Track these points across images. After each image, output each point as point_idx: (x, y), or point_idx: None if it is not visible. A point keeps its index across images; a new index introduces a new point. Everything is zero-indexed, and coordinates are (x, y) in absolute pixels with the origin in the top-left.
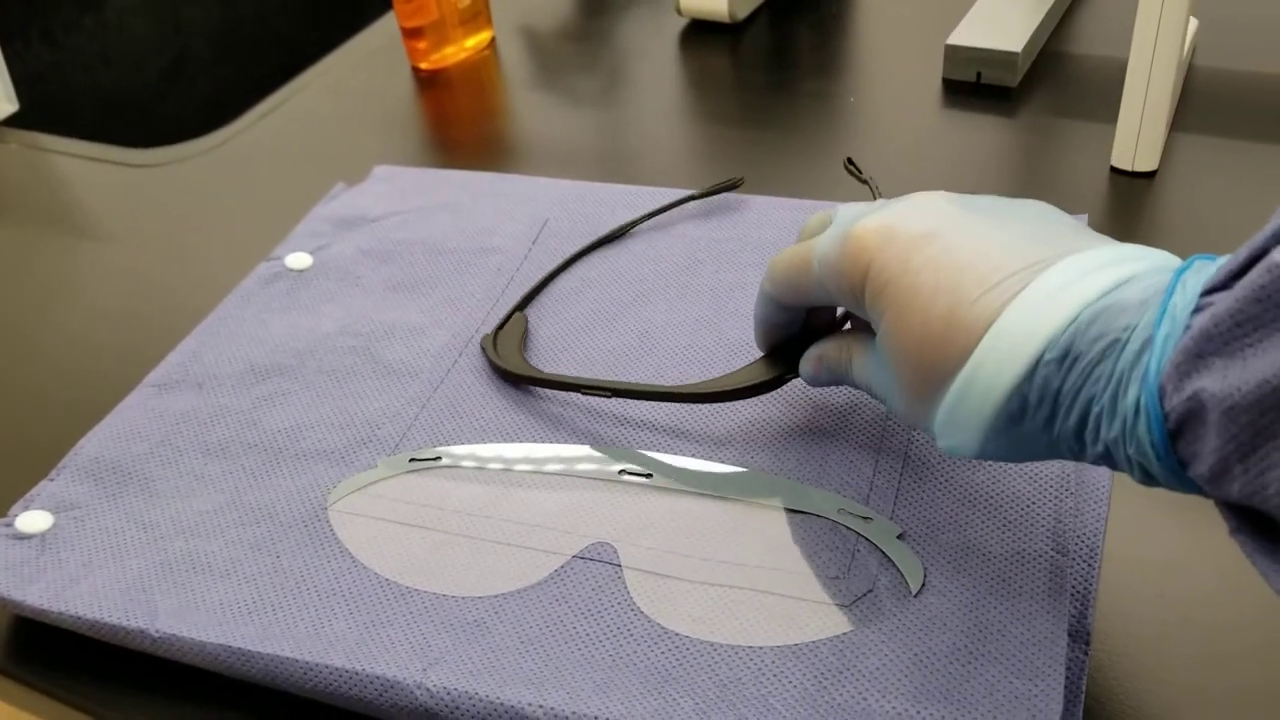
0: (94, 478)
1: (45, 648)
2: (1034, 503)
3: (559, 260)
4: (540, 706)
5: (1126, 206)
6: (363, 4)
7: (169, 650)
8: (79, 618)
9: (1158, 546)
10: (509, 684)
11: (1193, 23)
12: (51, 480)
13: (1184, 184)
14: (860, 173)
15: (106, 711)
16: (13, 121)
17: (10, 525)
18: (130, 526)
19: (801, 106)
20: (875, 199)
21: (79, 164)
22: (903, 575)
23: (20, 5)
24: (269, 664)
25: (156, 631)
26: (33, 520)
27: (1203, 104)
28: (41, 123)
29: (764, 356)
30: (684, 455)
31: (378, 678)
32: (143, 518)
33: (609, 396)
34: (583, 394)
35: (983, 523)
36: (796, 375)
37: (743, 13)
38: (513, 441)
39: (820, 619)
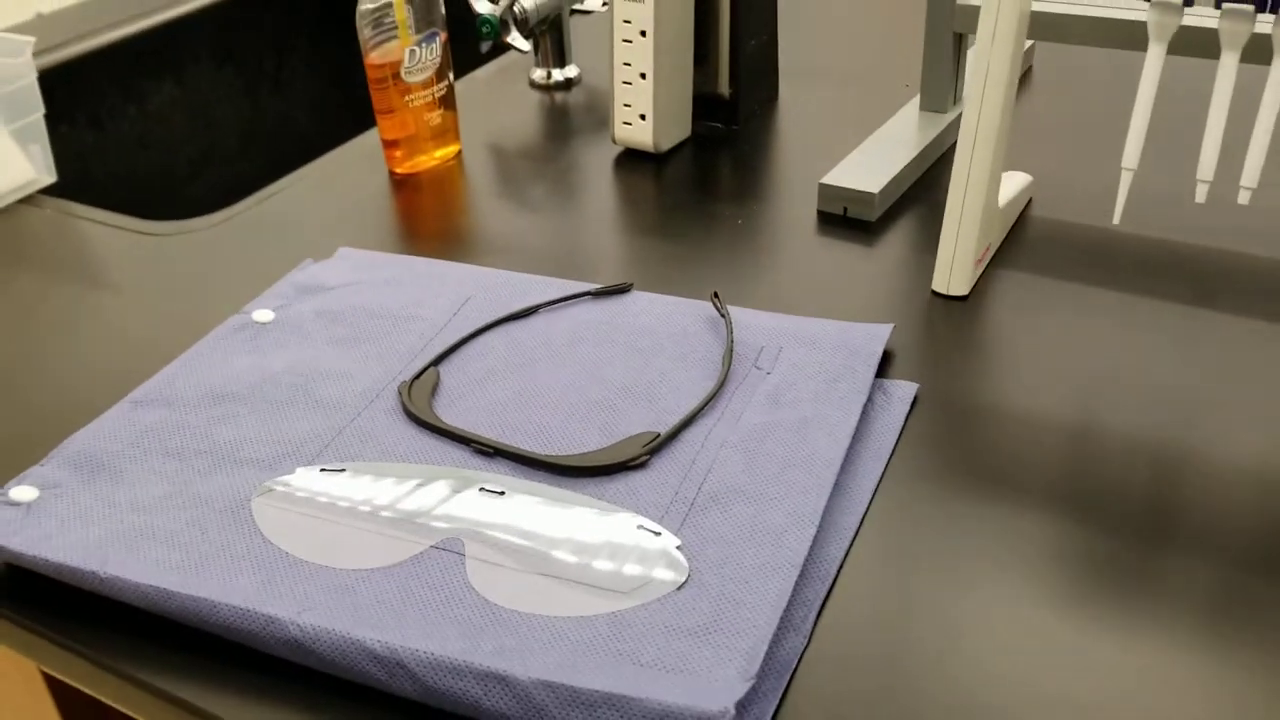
0: (75, 466)
1: (29, 592)
2: (785, 532)
3: (471, 329)
4: (379, 641)
5: (936, 322)
6: (368, 112)
7: (111, 589)
8: (47, 561)
9: (886, 583)
10: (359, 627)
11: (1024, 178)
12: (41, 465)
13: (991, 309)
14: (721, 306)
15: (67, 640)
16: (51, 190)
17: (5, 494)
18: (98, 504)
19: (702, 225)
20: (729, 332)
21: (99, 229)
22: (673, 574)
23: (70, 91)
24: (185, 602)
25: (104, 574)
26: (23, 493)
27: (1028, 247)
28: (79, 196)
29: (614, 444)
30: (531, 480)
31: (263, 615)
32: (109, 498)
33: (491, 455)
34: (471, 448)
35: (743, 543)
36: (637, 464)
37: (665, 145)
38: (406, 463)
39: (604, 600)
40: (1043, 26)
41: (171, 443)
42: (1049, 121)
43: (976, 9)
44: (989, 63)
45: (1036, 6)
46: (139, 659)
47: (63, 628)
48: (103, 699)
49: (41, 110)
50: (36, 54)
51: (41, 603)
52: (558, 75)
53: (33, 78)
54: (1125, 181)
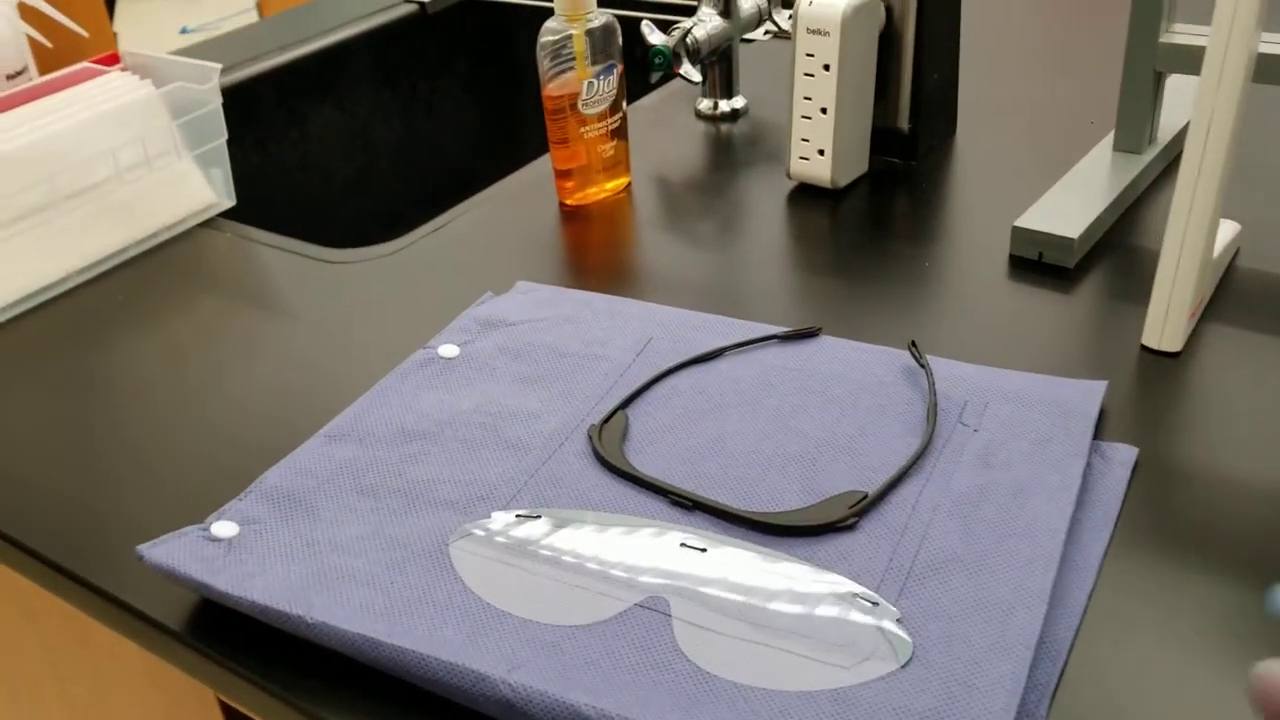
0: (272, 502)
1: (217, 626)
2: (1013, 609)
3: (656, 372)
4: (593, 707)
5: (1148, 380)
6: (520, 137)
7: (318, 635)
8: (253, 603)
9: (1119, 665)
10: (572, 690)
11: (1234, 226)
12: (240, 500)
13: (1206, 366)
14: (920, 356)
15: (260, 678)
16: (227, 213)
17: (207, 530)
18: (297, 541)
19: (884, 265)
20: (931, 385)
21: (278, 255)
22: (895, 649)
23: (240, 116)
24: (393, 653)
25: (311, 619)
26: (224, 528)
27: (1239, 300)
28: (245, 213)
29: (819, 503)
30: (733, 537)
31: (473, 672)
32: (307, 535)
33: (690, 508)
34: (669, 500)
35: (968, 618)
36: (845, 526)
37: (843, 181)
38: (600, 510)
39: (825, 674)
40: (1267, 70)
41: (365, 480)
42: (1249, 166)
43: (1179, 47)
44: (1214, 108)
45: (1263, 48)
46: (327, 698)
47: (248, 661)
48: None
49: (224, 136)
50: None
51: (224, 634)
52: (725, 106)
53: (218, 104)
54: None
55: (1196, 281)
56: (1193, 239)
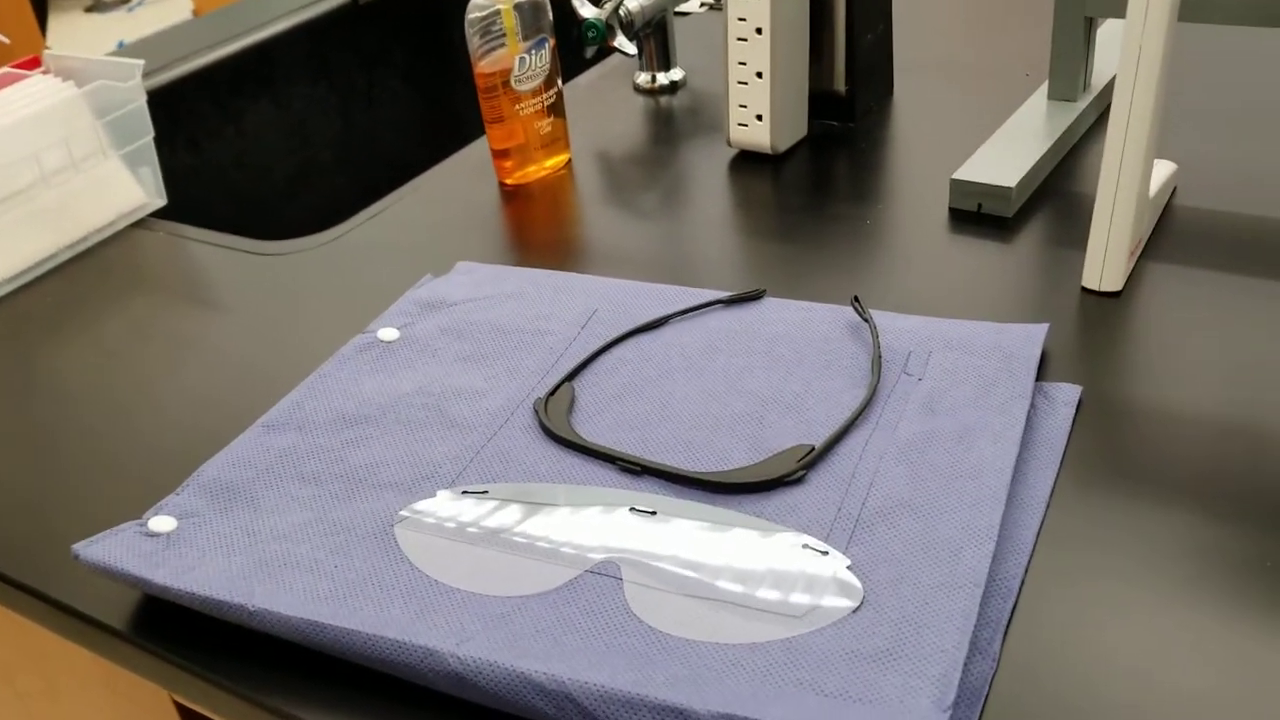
0: (210, 494)
1: (165, 624)
2: (961, 548)
3: (602, 343)
4: (545, 674)
5: (1090, 320)
6: (461, 126)
7: (261, 623)
8: (193, 594)
9: (1071, 599)
10: (523, 658)
11: (1170, 166)
12: (177, 494)
13: (1146, 304)
14: (863, 310)
15: (208, 672)
16: (160, 213)
17: (144, 525)
18: (237, 532)
19: (825, 226)
20: (875, 338)
21: (212, 250)
22: (845, 596)
23: (170, 115)
24: (338, 635)
25: (253, 607)
26: (161, 523)
27: (1177, 238)
28: (182, 216)
29: (767, 459)
30: (683, 499)
31: (421, 647)
32: (247, 526)
33: (639, 472)
34: (617, 466)
35: (916, 560)
36: (794, 480)
37: (783, 145)
38: (549, 482)
39: (776, 625)
40: (1192, 7)
41: (306, 468)
42: (1186, 106)
43: None
44: (1141, 45)
45: None
46: (278, 688)
47: (197, 657)
48: None
49: (151, 133)
50: None
51: (173, 631)
52: (663, 79)
53: (142, 101)
54: None
55: (1133, 221)
56: (1127, 177)
